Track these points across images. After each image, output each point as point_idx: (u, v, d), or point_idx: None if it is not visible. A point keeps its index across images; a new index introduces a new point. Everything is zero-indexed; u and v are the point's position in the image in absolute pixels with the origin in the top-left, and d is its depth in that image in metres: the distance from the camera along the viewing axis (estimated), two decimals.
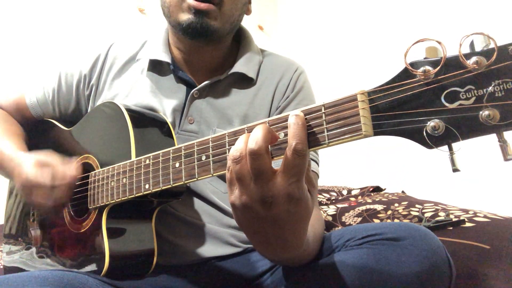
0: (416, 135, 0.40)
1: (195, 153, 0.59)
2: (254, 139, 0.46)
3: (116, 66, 0.93)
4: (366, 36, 2.25)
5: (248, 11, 0.94)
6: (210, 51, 0.90)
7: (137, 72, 0.92)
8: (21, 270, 0.90)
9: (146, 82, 0.90)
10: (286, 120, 0.48)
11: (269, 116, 0.90)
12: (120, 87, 0.91)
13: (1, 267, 1.15)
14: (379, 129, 0.43)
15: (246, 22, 0.96)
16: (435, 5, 1.81)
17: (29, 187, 0.75)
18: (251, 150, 0.45)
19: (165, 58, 0.89)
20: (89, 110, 0.95)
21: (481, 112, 0.38)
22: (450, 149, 0.39)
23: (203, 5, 0.79)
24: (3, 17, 2.07)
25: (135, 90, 0.90)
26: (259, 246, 0.54)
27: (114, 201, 0.72)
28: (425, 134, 0.40)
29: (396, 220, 1.26)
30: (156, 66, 0.91)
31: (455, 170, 0.39)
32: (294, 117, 0.46)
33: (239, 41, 0.97)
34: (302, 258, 0.65)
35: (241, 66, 0.90)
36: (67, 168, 0.77)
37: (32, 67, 2.02)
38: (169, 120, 0.86)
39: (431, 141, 0.40)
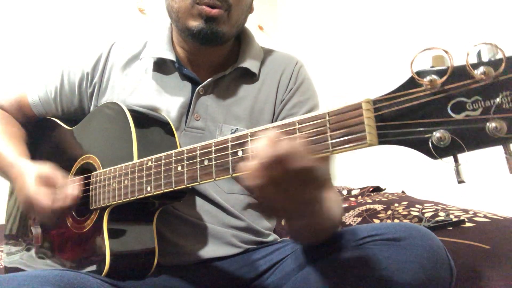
0: (421, 146, 0.40)
1: (198, 156, 0.59)
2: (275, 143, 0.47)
3: (118, 64, 0.93)
4: (367, 36, 2.23)
5: (251, 10, 0.95)
6: (214, 51, 0.90)
7: (141, 71, 0.92)
8: (22, 270, 0.90)
9: (151, 81, 0.90)
10: (290, 126, 0.48)
11: (274, 110, 0.92)
12: (124, 85, 0.91)
13: (2, 267, 1.15)
14: (384, 139, 0.42)
15: (246, 22, 0.96)
16: (436, 9, 1.80)
17: (30, 203, 0.75)
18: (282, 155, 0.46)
19: (170, 56, 0.89)
20: (91, 108, 0.94)
21: (488, 124, 0.37)
22: (456, 160, 0.39)
23: (214, 12, 0.80)
24: (3, 16, 2.06)
25: (139, 89, 0.90)
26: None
27: (115, 202, 0.72)
28: (430, 145, 0.39)
29: (396, 220, 1.26)
30: (160, 65, 0.91)
31: (461, 181, 0.39)
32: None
33: (241, 38, 0.97)
34: (324, 216, 0.66)
35: (245, 61, 0.90)
36: (69, 188, 0.75)
37: (32, 67, 2.01)
38: (175, 117, 0.86)
39: (437, 152, 0.39)
